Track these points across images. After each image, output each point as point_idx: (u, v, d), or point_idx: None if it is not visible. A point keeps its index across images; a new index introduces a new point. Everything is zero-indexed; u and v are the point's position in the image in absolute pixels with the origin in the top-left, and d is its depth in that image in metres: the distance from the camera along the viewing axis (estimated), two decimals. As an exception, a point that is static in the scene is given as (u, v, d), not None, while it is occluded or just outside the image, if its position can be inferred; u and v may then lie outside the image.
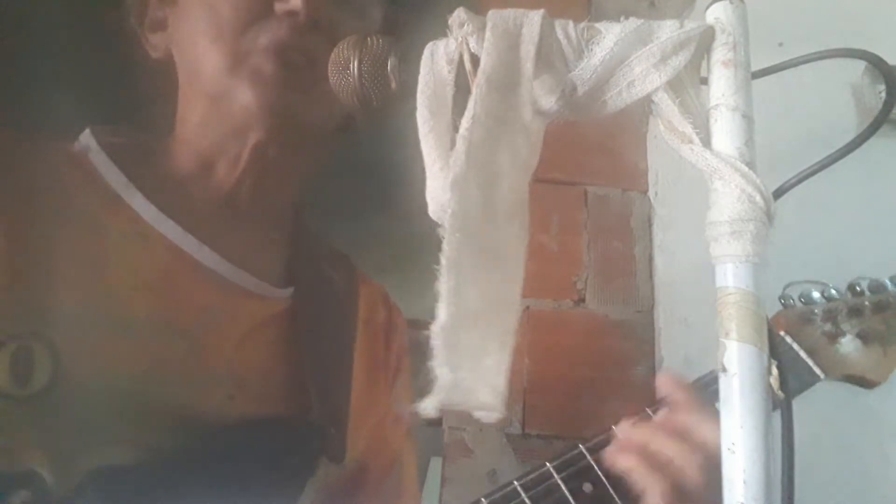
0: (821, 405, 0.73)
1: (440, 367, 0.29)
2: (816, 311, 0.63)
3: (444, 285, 0.29)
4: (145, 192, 0.51)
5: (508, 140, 0.32)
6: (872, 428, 0.77)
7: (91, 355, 0.44)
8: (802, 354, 0.61)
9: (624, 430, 0.52)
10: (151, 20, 0.59)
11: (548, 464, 0.51)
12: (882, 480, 0.76)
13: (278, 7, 0.52)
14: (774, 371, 0.30)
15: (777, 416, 0.32)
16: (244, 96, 0.51)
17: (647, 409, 0.55)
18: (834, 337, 0.63)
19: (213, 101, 0.54)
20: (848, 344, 0.63)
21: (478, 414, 0.30)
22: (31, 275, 0.44)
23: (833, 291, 0.65)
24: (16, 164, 0.49)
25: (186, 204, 0.54)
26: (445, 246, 0.30)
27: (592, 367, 0.84)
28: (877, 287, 0.65)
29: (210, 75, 0.52)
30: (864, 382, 0.64)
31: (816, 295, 0.65)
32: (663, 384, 0.56)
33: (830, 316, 0.63)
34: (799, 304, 0.65)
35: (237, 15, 0.52)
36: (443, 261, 0.30)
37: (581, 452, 0.52)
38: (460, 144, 0.31)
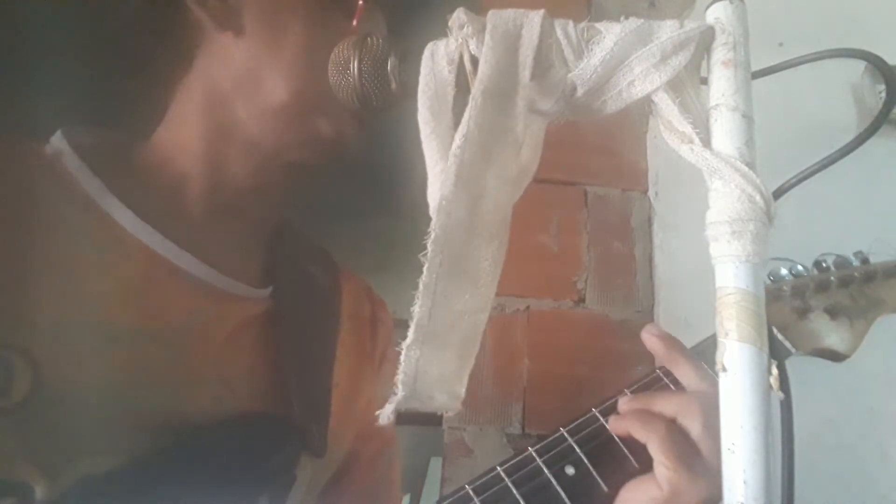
0: (821, 405, 0.74)
1: (399, 383, 0.31)
2: (785, 287, 0.64)
3: (417, 308, 0.31)
4: (121, 197, 0.50)
5: (499, 156, 0.33)
6: (872, 428, 0.77)
7: (72, 364, 0.43)
8: (774, 330, 0.62)
9: (622, 402, 0.53)
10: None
11: (530, 448, 0.51)
12: (882, 480, 0.76)
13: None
14: (774, 371, 0.30)
15: (777, 416, 0.32)
16: (326, 127, 0.54)
17: (625, 389, 0.56)
18: (803, 312, 0.64)
19: (276, 112, 0.54)
20: (816, 319, 0.64)
21: (433, 411, 0.33)
22: (7, 285, 0.44)
23: (800, 268, 0.66)
24: None
25: (164, 208, 0.53)
26: (425, 270, 0.31)
27: (592, 367, 0.84)
28: (842, 263, 0.67)
29: (293, 94, 0.53)
30: (835, 356, 0.64)
31: (784, 272, 0.66)
32: (652, 341, 0.56)
33: (798, 292, 0.64)
34: (768, 282, 0.66)
35: (327, 48, 0.53)
36: (420, 285, 0.31)
37: (562, 435, 0.52)
38: (451, 164, 0.31)
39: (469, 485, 0.49)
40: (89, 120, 0.56)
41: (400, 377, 0.31)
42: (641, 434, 0.48)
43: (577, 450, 0.51)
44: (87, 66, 0.61)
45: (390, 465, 0.69)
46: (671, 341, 0.55)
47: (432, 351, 0.31)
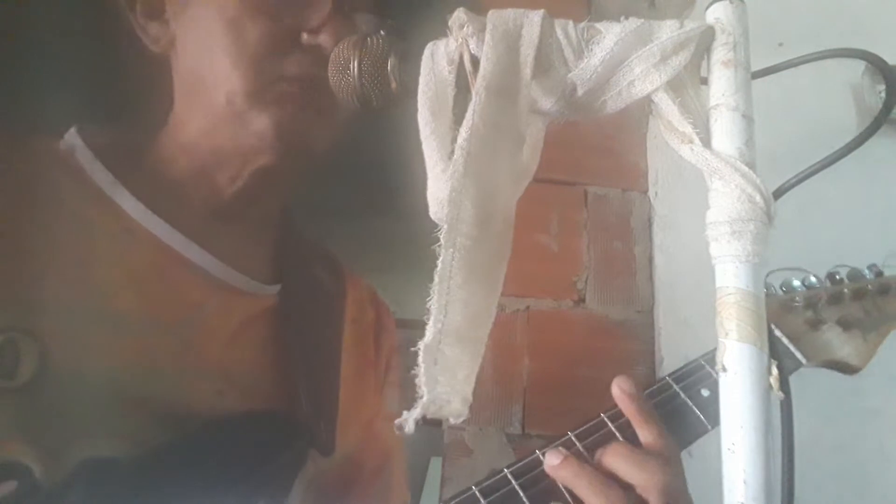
0: (821, 405, 0.74)
1: (423, 385, 0.30)
2: (797, 298, 0.64)
3: (434, 304, 0.30)
4: (132, 190, 0.52)
5: (505, 152, 0.33)
6: (872, 428, 0.77)
7: (79, 350, 0.44)
8: (785, 341, 0.62)
9: (552, 460, 0.49)
10: (145, 4, 0.56)
11: (505, 469, 0.50)
12: (882, 480, 0.76)
13: (307, 39, 0.52)
14: (774, 371, 0.31)
15: (777, 416, 0.32)
16: (263, 123, 0.51)
17: (602, 414, 0.53)
18: (815, 324, 0.63)
19: (223, 118, 0.53)
20: (829, 331, 0.64)
21: (446, 417, 0.32)
22: (18, 270, 0.45)
23: (813, 279, 0.66)
24: (2, 162, 0.49)
25: (175, 202, 0.54)
26: (439, 263, 0.30)
27: (592, 367, 0.84)
28: (855, 275, 0.67)
29: (228, 95, 0.51)
30: (846, 368, 0.64)
31: (797, 283, 0.66)
32: (618, 396, 0.53)
33: (811, 304, 0.64)
34: (780, 293, 0.66)
35: (264, 41, 0.51)
36: (436, 278, 0.30)
37: (538, 458, 0.50)
38: (458, 156, 0.31)
39: (476, 486, 0.49)
40: (103, 117, 0.58)
41: (422, 379, 0.30)
42: (598, 500, 0.45)
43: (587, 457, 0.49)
44: (98, 69, 0.63)
45: (393, 474, 0.69)
46: (640, 400, 0.52)
47: (451, 349, 0.31)
